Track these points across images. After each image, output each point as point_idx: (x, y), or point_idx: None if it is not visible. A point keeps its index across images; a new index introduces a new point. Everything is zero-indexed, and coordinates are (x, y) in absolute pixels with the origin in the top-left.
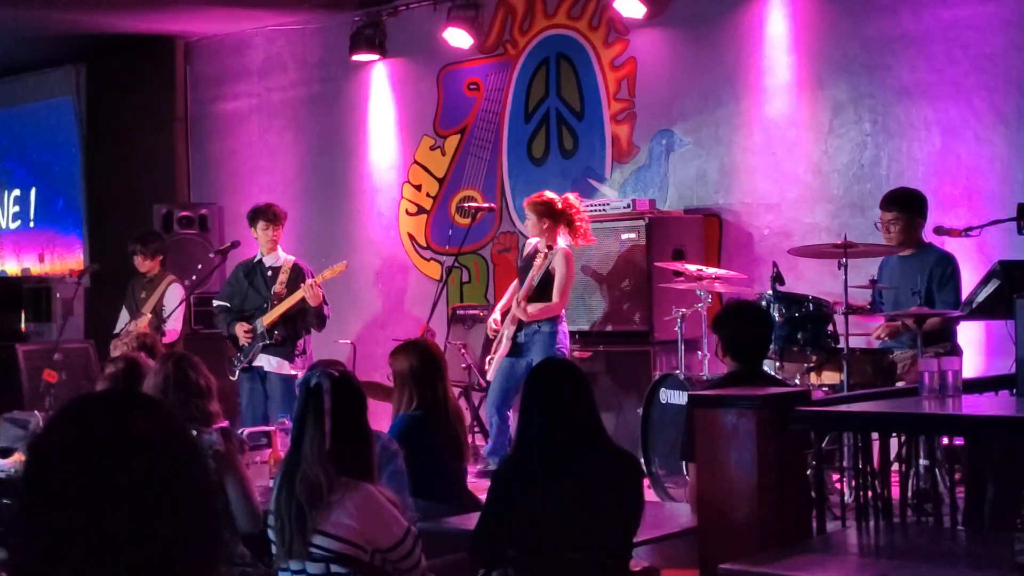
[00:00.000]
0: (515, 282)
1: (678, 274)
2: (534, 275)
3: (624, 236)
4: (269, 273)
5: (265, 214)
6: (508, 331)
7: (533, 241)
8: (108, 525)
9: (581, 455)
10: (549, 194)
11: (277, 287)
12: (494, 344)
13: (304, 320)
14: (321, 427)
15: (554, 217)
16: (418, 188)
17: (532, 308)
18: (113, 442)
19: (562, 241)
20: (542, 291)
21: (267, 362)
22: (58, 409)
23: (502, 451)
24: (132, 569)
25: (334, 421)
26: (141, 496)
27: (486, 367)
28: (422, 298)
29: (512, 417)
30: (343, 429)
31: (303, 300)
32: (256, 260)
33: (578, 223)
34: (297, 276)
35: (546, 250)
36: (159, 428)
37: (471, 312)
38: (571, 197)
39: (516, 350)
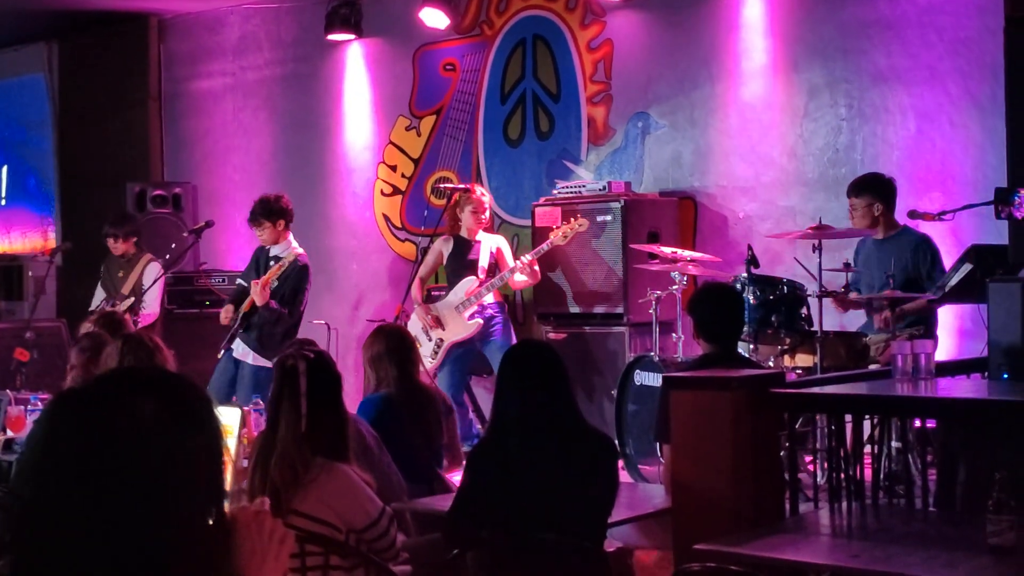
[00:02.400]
0: (423, 271)
1: (653, 256)
2: (487, 261)
3: (599, 218)
4: (272, 262)
5: (254, 212)
6: (455, 317)
7: (448, 238)
8: (109, 514)
9: (556, 436)
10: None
11: (264, 276)
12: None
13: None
14: (297, 408)
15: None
16: (393, 169)
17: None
18: (114, 429)
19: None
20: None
21: (243, 351)
22: (63, 393)
23: (468, 435)
24: (125, 565)
25: (310, 403)
26: (143, 487)
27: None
28: (397, 279)
29: (470, 403)
30: (318, 410)
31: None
32: (268, 247)
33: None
34: (291, 271)
35: (489, 239)
36: (168, 413)
37: (442, 293)
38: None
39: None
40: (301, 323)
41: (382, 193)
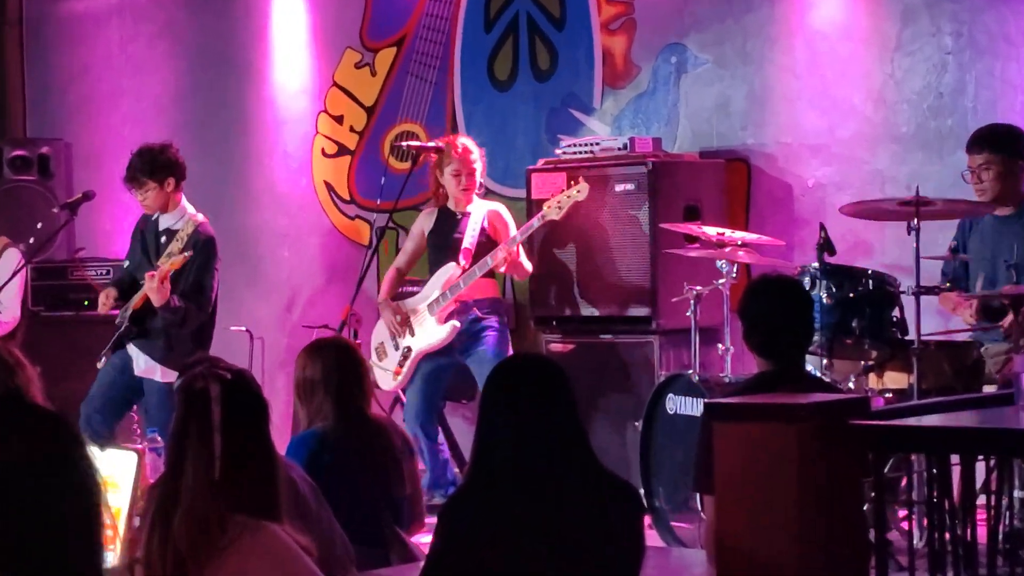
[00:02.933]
0: (400, 262)
1: (692, 239)
2: (472, 239)
3: (619, 188)
4: (163, 238)
5: (132, 168)
6: (426, 319)
7: (431, 210)
8: None
9: (560, 485)
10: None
11: (163, 259)
12: (378, 347)
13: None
14: (209, 447)
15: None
16: (339, 120)
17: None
18: None
19: (477, 199)
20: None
21: (146, 365)
22: None
23: (444, 481)
24: None
25: (226, 439)
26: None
27: (386, 372)
28: (344, 270)
29: (443, 437)
30: (238, 450)
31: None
32: (154, 216)
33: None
34: (195, 247)
35: (479, 208)
36: (26, 458)
37: (412, 291)
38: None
39: (444, 347)
40: (216, 320)
41: (324, 154)
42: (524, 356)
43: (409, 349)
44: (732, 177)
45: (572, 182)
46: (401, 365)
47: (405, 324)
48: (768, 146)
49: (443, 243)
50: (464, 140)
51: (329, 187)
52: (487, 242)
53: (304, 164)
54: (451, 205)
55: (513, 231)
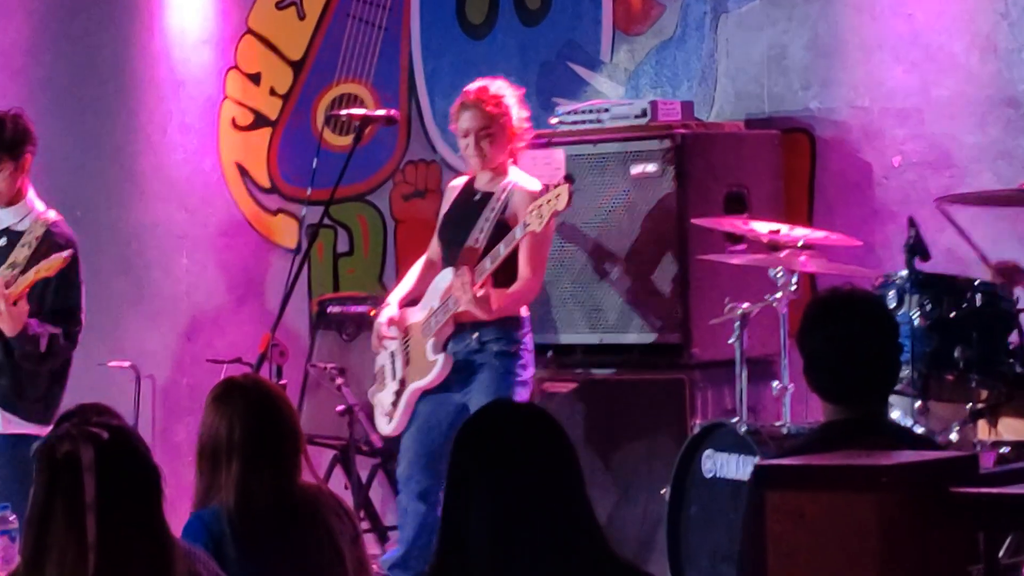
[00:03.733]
0: (432, 251)
1: (735, 239)
2: (484, 233)
3: (635, 170)
4: (2, 239)
5: None
6: (420, 344)
7: (459, 182)
8: None
9: (554, 570)
10: (502, 86)
11: (4, 269)
12: (378, 371)
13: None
14: (80, 529)
15: (511, 124)
16: (254, 80)
17: (495, 295)
18: None
19: (520, 175)
20: (502, 264)
21: None
22: None
23: (419, 561)
24: None
25: (102, 521)
26: None
27: (382, 411)
28: (263, 285)
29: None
30: (118, 535)
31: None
32: None
33: (525, 136)
34: (50, 250)
35: (500, 189)
36: None
37: (353, 310)
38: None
39: (443, 380)
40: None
41: (235, 125)
42: (503, 404)
43: (403, 383)
44: (790, 154)
45: (551, 184)
46: (395, 404)
47: (403, 342)
48: (838, 111)
49: (452, 234)
50: (479, 85)
51: (242, 171)
52: (500, 239)
53: (208, 140)
54: (477, 178)
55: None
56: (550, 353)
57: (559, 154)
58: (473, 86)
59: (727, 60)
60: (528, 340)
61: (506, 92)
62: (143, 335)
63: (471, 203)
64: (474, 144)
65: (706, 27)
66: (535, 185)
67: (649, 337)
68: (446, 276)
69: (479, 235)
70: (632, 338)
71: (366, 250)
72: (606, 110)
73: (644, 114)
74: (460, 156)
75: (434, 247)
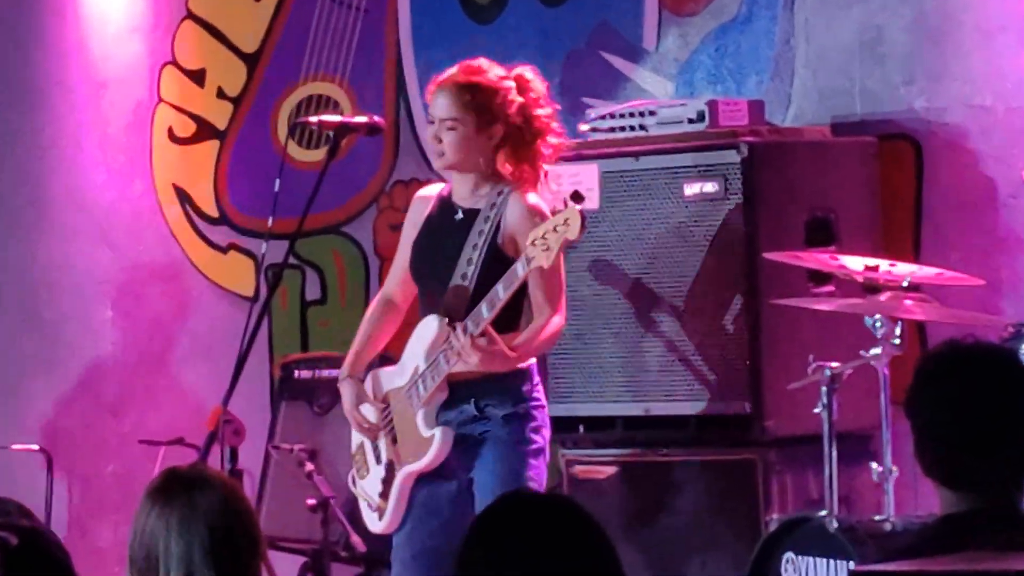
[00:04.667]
0: (390, 287)
1: (821, 278)
2: (474, 266)
3: (690, 190)
4: None
5: None
6: (407, 416)
7: (429, 192)
8: None
9: None
10: (488, 69)
11: None
12: (356, 452)
13: None
14: None
15: (504, 119)
16: (197, 79)
17: (518, 344)
18: None
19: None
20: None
21: None
22: None
23: None
24: None
25: None
26: None
27: (369, 503)
28: (212, 342)
29: None
30: None
31: None
32: None
33: (548, 138)
34: None
35: (489, 204)
36: None
37: (327, 375)
38: (527, 73)
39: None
40: None
41: (172, 137)
42: (520, 497)
43: (392, 466)
44: (889, 168)
45: (561, 204)
46: (384, 494)
47: (384, 416)
48: (951, 112)
49: (429, 268)
50: (470, 62)
51: (183, 196)
52: (497, 272)
53: (138, 156)
54: (454, 189)
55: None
56: (582, 428)
57: (591, 170)
58: (457, 64)
59: (807, 46)
60: (539, 394)
61: (492, 76)
62: (56, 409)
63: (451, 225)
64: (433, 138)
65: (779, 4)
66: (534, 197)
67: (709, 406)
68: (430, 326)
69: (468, 269)
70: (687, 408)
71: (343, 297)
72: (651, 113)
73: (700, 118)
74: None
75: (394, 282)
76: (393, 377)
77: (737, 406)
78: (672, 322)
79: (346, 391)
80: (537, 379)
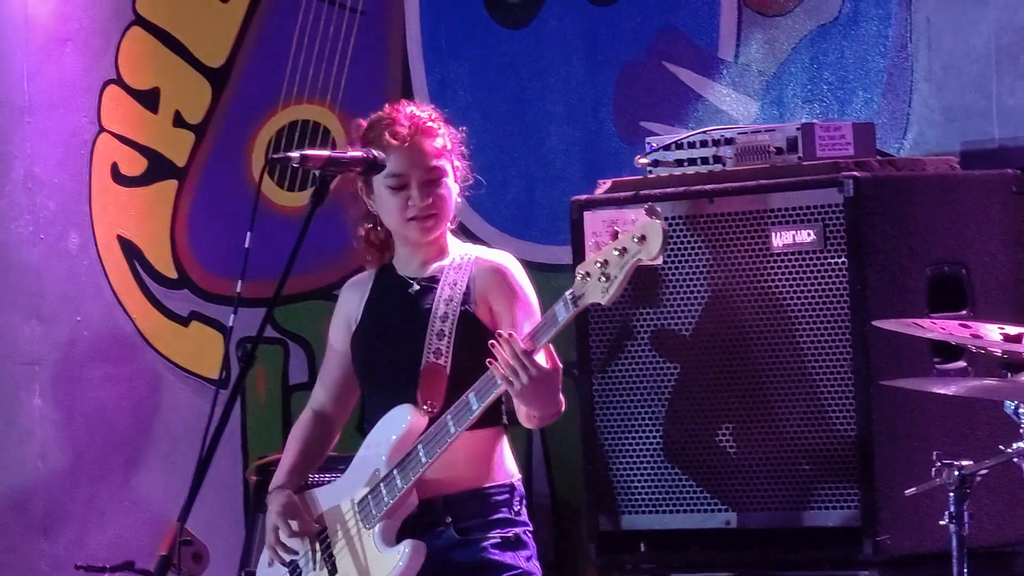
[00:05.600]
0: (319, 399)
1: (948, 352)
2: (447, 339)
3: (780, 240)
4: None
5: None
6: (353, 540)
7: (359, 281)
8: None
9: None
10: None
11: None
12: None
13: None
14: None
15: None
16: (149, 101)
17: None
18: None
19: (467, 245)
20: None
21: None
22: None
23: None
24: None
25: None
26: None
27: None
28: (167, 439)
29: None
30: None
31: None
32: None
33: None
34: None
35: (453, 268)
36: None
37: (317, 482)
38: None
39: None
40: None
41: (116, 176)
42: None
43: None
44: None
45: (636, 218)
46: None
47: (315, 542)
48: None
49: (382, 356)
50: (411, 107)
51: (131, 251)
52: (475, 344)
53: (74, 202)
54: (398, 264)
55: (526, 320)
56: (643, 546)
57: (651, 215)
58: (391, 112)
59: (928, 54)
60: (525, 516)
61: (439, 120)
62: None
63: (405, 300)
64: (423, 196)
65: (892, 2)
66: (506, 259)
67: (808, 517)
68: (399, 417)
69: (440, 344)
70: (780, 519)
71: None
72: (729, 141)
73: (792, 147)
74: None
75: (325, 394)
76: (332, 495)
77: (843, 516)
78: (756, 410)
79: (273, 504)
80: (523, 493)
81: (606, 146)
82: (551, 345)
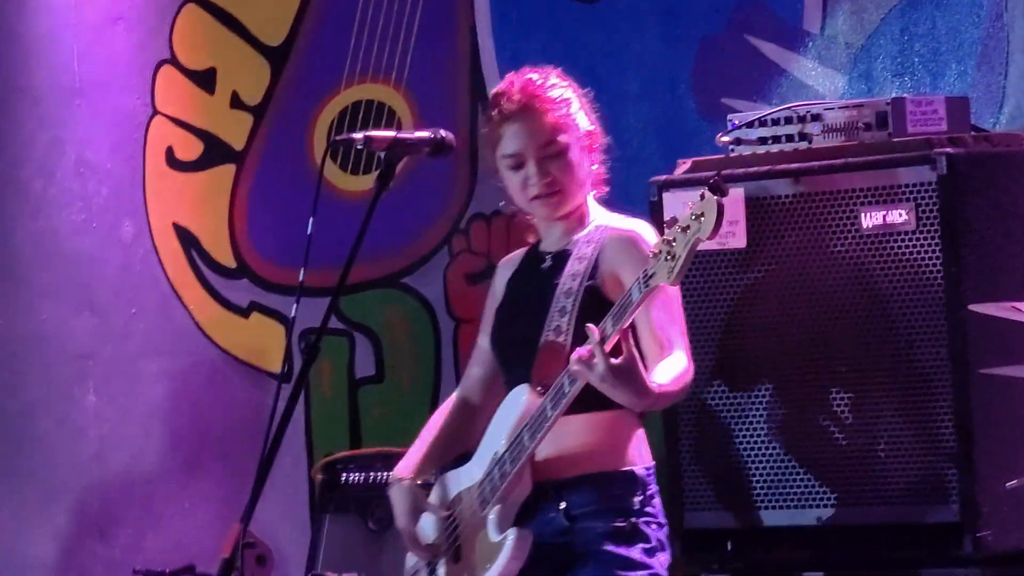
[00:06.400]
0: (468, 383)
1: None
2: (568, 316)
3: (869, 221)
4: None
5: None
6: (474, 523)
7: (512, 258)
8: None
9: None
10: (551, 77)
11: None
12: None
13: None
14: None
15: (591, 139)
16: (205, 82)
17: (658, 376)
18: None
19: (606, 214)
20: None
21: None
22: None
23: None
24: None
25: None
26: None
27: None
28: (228, 437)
29: None
30: None
31: None
32: None
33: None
34: None
35: (582, 242)
36: None
37: (385, 478)
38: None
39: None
40: None
41: (172, 162)
42: None
43: None
44: None
45: (699, 197)
46: None
47: (448, 528)
48: None
49: (512, 333)
50: (531, 75)
51: (188, 239)
52: (598, 321)
53: (127, 188)
54: (544, 238)
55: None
56: (730, 545)
57: (734, 198)
58: (505, 84)
59: None
60: (656, 509)
61: (562, 83)
62: (21, 529)
63: (537, 276)
64: (540, 174)
65: None
66: (639, 226)
67: (903, 513)
68: (517, 399)
69: (561, 320)
70: (873, 515)
71: (405, 373)
72: (815, 117)
73: (882, 123)
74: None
75: (473, 378)
76: (462, 476)
77: (941, 512)
78: (848, 399)
79: (398, 498)
80: (654, 488)
81: (685, 124)
82: (630, 335)
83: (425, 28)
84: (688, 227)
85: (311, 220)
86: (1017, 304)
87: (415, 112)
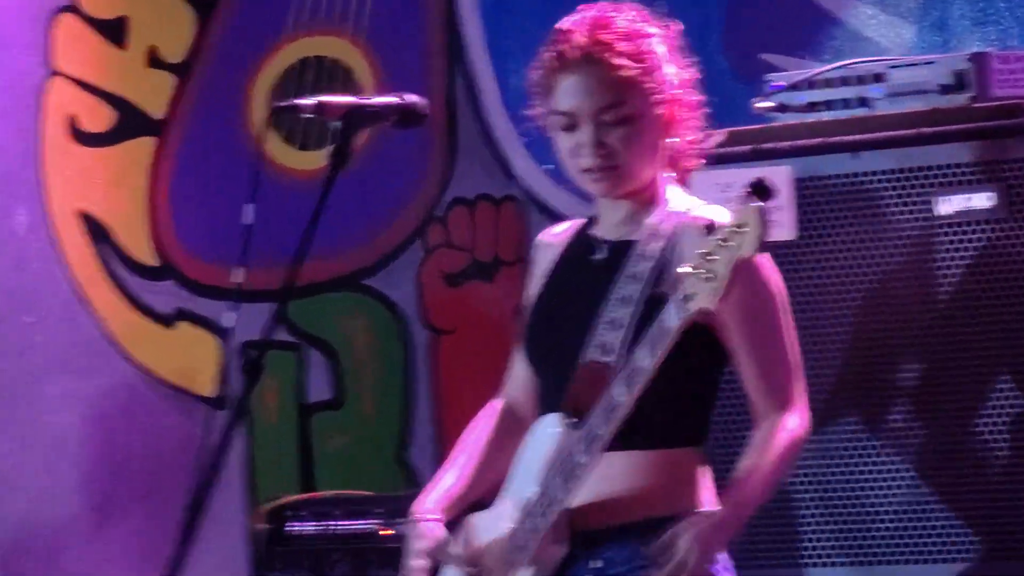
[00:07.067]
0: (513, 386)
1: None
2: (624, 329)
3: (947, 204)
4: None
5: None
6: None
7: (558, 231)
8: None
9: None
10: (636, 18)
11: None
12: None
13: None
14: None
15: (672, 103)
16: (114, 35)
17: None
18: None
19: (686, 198)
20: (672, 382)
21: None
22: None
23: None
24: None
25: None
26: None
27: None
28: (149, 474)
29: None
30: None
31: None
32: None
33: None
34: None
35: (651, 233)
36: None
37: (343, 528)
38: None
39: None
40: None
41: (77, 134)
42: None
43: None
44: None
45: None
46: None
47: None
48: None
49: (554, 337)
50: (608, 13)
51: (97, 231)
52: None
53: (19, 167)
54: (601, 216)
55: (752, 314)
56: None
57: (778, 176)
58: (574, 20)
59: None
60: (725, 561)
61: (648, 29)
62: None
63: (587, 269)
64: (594, 143)
65: None
66: (724, 216)
67: (1001, 567)
68: (548, 433)
69: (610, 337)
70: (943, 572)
71: (368, 396)
72: (878, 78)
73: (960, 84)
74: (558, 178)
75: (517, 380)
76: (491, 523)
77: None
78: (916, 424)
79: (417, 536)
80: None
81: (715, 86)
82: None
83: None
84: (727, 240)
85: (250, 207)
86: None
87: (377, 72)
